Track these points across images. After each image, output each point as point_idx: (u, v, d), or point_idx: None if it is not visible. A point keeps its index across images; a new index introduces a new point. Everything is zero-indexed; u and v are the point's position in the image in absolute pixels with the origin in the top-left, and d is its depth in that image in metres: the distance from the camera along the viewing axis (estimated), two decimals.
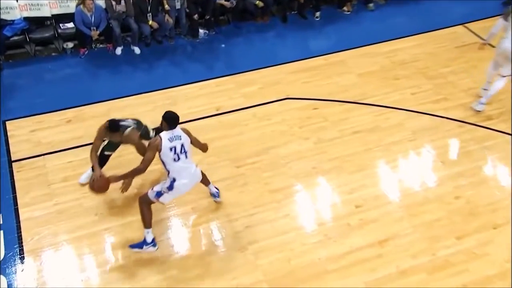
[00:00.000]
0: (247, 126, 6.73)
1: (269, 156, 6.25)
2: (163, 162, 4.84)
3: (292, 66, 7.88)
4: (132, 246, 5.08)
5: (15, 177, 5.94)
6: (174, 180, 4.84)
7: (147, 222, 4.96)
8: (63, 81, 7.65)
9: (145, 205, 4.93)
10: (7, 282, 4.88)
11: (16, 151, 6.31)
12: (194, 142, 5.04)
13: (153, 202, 4.95)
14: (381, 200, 5.71)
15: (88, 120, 6.79)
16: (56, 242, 5.24)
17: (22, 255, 5.12)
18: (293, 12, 9.31)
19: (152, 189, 4.92)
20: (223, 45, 8.47)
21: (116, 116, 6.77)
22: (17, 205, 5.62)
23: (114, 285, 4.88)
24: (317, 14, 9.17)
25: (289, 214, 5.55)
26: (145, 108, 7.00)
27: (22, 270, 5.00)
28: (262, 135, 6.57)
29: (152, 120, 6.74)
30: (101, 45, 8.32)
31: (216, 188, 5.59)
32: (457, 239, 5.27)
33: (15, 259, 5.08)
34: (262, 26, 9.01)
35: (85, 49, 8.15)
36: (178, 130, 4.82)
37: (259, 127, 6.70)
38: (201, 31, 8.63)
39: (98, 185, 5.03)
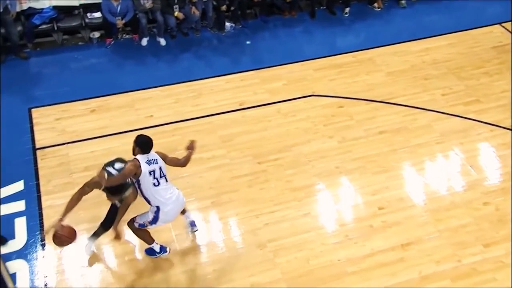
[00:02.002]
0: (270, 122, 6.65)
1: (292, 154, 6.16)
2: (142, 191, 4.47)
3: (319, 63, 7.74)
4: (148, 253, 5.01)
5: (38, 165, 6.01)
6: (158, 209, 4.52)
7: (147, 241, 4.88)
8: (89, 71, 7.71)
9: (135, 229, 4.77)
10: (29, 267, 4.95)
11: (40, 139, 6.37)
12: (172, 161, 4.63)
13: None
14: (405, 202, 5.57)
15: (112, 110, 6.83)
16: (76, 231, 5.23)
17: (43, 242, 5.17)
18: (321, 8, 9.17)
19: (135, 220, 4.68)
20: (248, 42, 8.36)
21: (140, 107, 6.86)
22: (39, 192, 5.69)
23: (131, 276, 4.89)
24: (346, 10, 8.99)
25: (310, 213, 5.47)
26: (169, 100, 7.00)
27: (43, 257, 5.06)
28: (285, 132, 6.48)
29: (175, 113, 6.78)
30: (127, 36, 8.35)
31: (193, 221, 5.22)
32: (485, 247, 5.10)
33: (36, 246, 5.15)
34: (290, 21, 8.89)
35: (111, 39, 8.18)
36: (153, 154, 4.47)
37: (283, 124, 6.61)
38: (227, 24, 8.56)
39: (64, 233, 4.39)
